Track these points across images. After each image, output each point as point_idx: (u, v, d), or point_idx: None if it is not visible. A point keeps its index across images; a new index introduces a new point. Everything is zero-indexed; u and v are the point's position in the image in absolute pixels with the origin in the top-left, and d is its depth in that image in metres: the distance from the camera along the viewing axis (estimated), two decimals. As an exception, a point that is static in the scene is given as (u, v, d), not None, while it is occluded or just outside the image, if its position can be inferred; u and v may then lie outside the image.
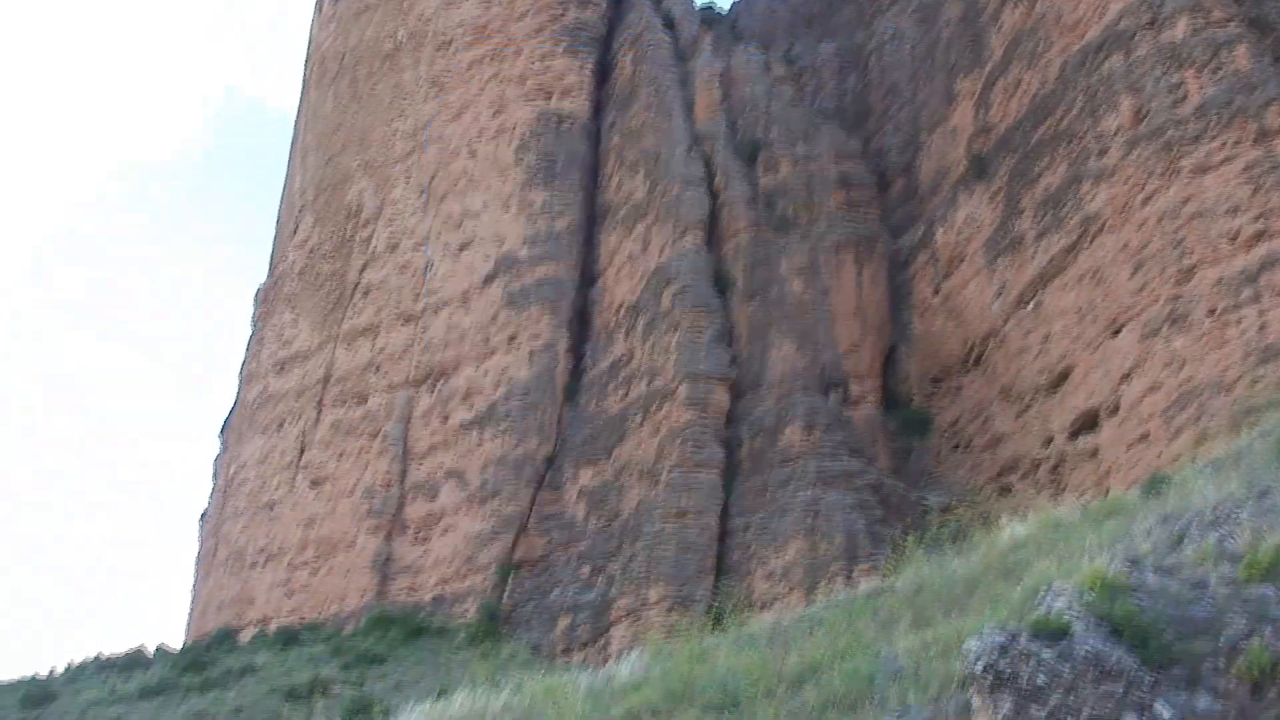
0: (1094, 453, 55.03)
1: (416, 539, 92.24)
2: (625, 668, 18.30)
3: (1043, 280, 60.72)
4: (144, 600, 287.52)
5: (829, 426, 66.02)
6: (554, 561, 78.36)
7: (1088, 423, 55.99)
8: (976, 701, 8.33)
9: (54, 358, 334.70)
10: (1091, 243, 57.10)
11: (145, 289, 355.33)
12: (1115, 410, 53.30)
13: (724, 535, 65.88)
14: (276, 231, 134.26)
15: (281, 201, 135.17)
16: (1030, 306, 61.61)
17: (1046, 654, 8.32)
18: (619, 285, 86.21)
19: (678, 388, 70.37)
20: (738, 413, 70.50)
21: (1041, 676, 8.19)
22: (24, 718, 78.15)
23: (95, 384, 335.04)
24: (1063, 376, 58.40)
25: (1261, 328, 45.50)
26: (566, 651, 67.71)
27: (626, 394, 77.92)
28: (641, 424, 73.81)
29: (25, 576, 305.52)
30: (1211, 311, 47.98)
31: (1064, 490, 51.75)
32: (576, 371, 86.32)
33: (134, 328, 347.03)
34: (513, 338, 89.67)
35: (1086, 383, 56.07)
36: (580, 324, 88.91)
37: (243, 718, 60.38)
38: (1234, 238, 48.24)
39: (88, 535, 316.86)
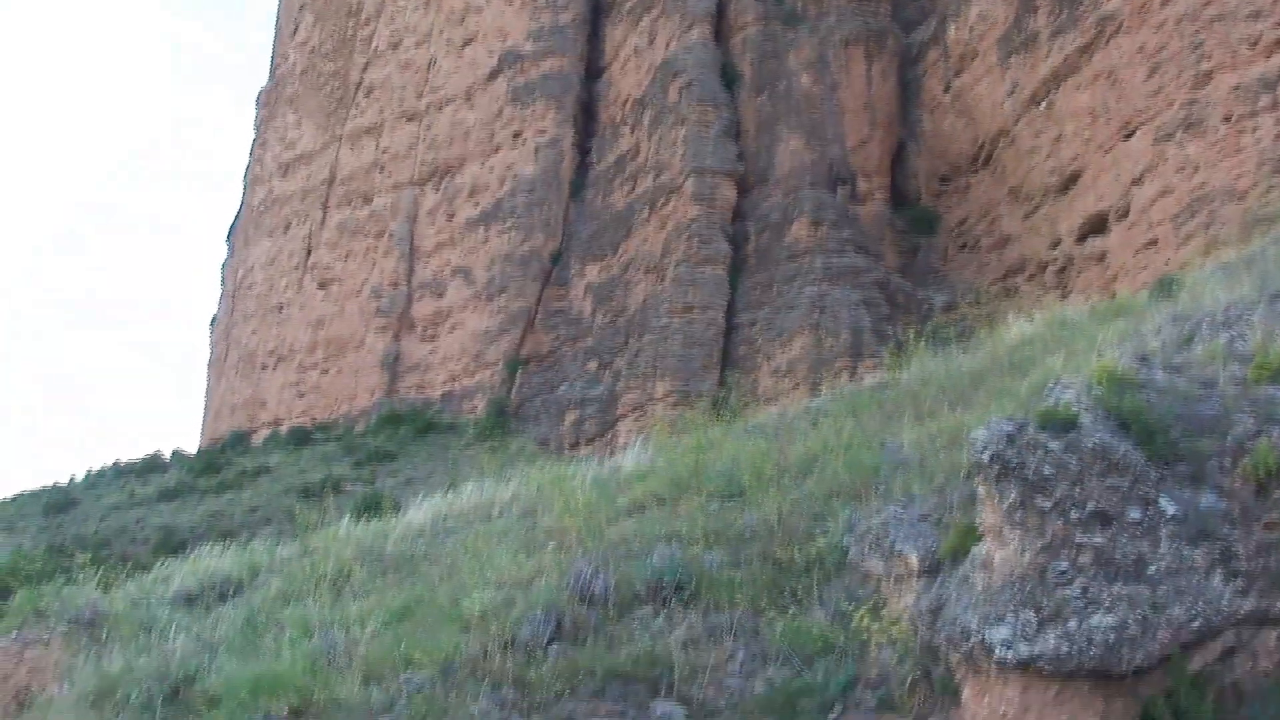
0: (1101, 256, 54.61)
1: (424, 337, 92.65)
2: (631, 459, 18.47)
3: (1056, 80, 59.34)
4: (162, 409, 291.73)
5: (836, 222, 65.58)
6: (561, 357, 78.80)
7: (1096, 226, 55.40)
8: (982, 491, 8.34)
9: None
10: (1107, 43, 55.68)
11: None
12: (1125, 214, 52.65)
13: (730, 330, 66.01)
14: (276, 32, 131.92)
15: (280, 1, 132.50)
16: (1042, 106, 60.42)
17: (1054, 445, 8.30)
18: (625, 79, 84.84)
19: (684, 182, 69.76)
20: (744, 208, 69.97)
21: (1048, 467, 8.17)
22: (47, 523, 79.47)
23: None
24: (1073, 178, 57.57)
25: (1277, 136, 44.66)
26: (574, 445, 68.40)
27: (633, 189, 77.30)
28: (648, 219, 73.40)
29: (43, 393, 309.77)
30: (1227, 118, 46.90)
31: (1070, 293, 51.51)
32: (582, 167, 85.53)
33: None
34: (518, 133, 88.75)
35: (1096, 185, 55.32)
36: (586, 119, 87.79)
37: (258, 516, 61.35)
38: (1254, 43, 46.90)
39: (104, 345, 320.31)
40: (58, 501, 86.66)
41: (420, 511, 19.30)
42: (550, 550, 12.66)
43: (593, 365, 74.33)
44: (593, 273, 78.51)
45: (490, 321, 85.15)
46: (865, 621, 8.46)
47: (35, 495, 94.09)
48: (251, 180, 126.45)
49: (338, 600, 13.45)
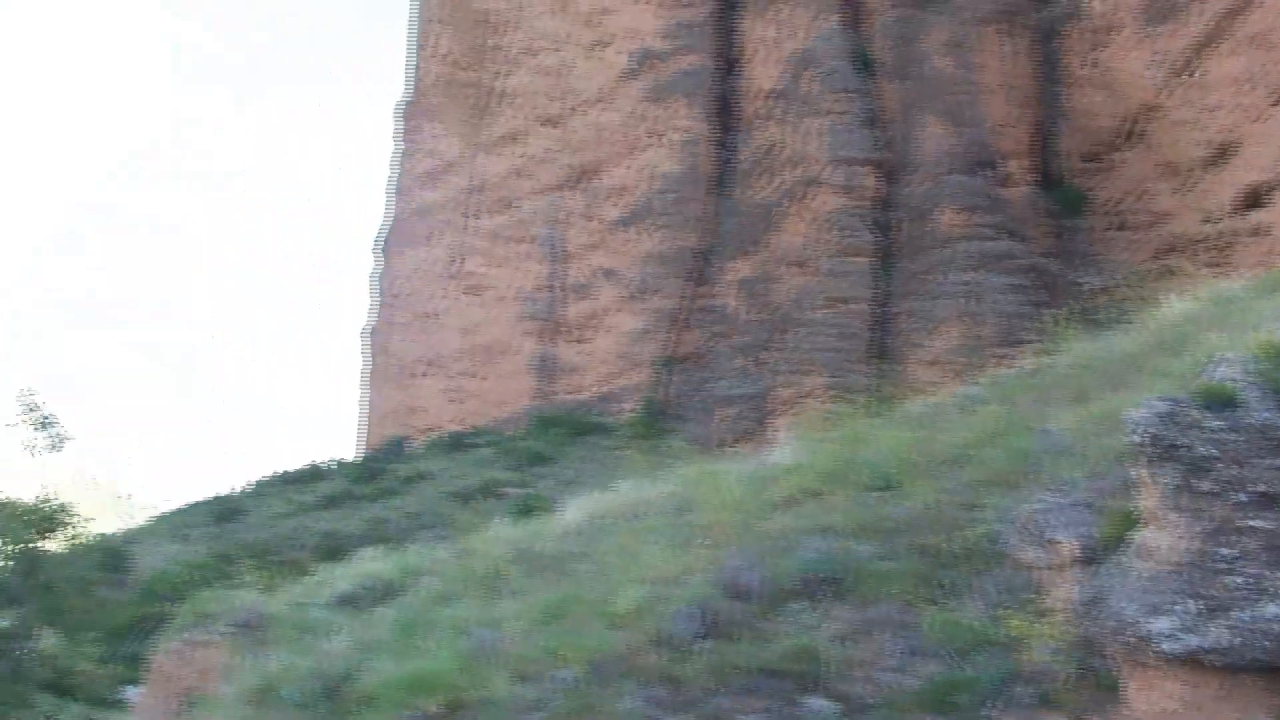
0: (1261, 230, 52.86)
1: (575, 339, 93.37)
2: (781, 453, 18.31)
3: (1203, 47, 57.42)
4: (322, 421, 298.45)
5: (983, 207, 64.51)
6: (712, 354, 78.69)
7: (1253, 198, 53.65)
8: (1139, 475, 8.01)
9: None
10: (1257, 6, 53.91)
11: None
12: (1282, 185, 51.03)
13: (880, 322, 65.33)
14: (411, 47, 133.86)
15: (412, 16, 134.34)
16: (1190, 76, 58.63)
17: (1214, 423, 7.93)
18: (760, 72, 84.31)
19: (826, 173, 69.22)
20: (889, 197, 69.18)
21: (1209, 447, 7.80)
22: (215, 531, 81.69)
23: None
24: (1226, 150, 55.69)
25: None
26: (728, 443, 67.97)
27: (775, 183, 76.84)
28: (792, 212, 72.93)
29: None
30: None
31: (1228, 269, 49.86)
32: (723, 162, 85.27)
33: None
34: (658, 133, 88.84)
35: (1252, 156, 53.51)
36: (724, 114, 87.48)
37: (417, 521, 62.22)
38: None
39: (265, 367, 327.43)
40: (225, 510, 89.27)
41: (573, 511, 19.40)
42: (701, 546, 12.57)
43: (744, 362, 74.10)
44: (740, 269, 78.20)
45: (640, 321, 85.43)
46: (1021, 615, 8.21)
47: (203, 505, 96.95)
48: (398, 192, 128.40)
49: (491, 600, 13.54)
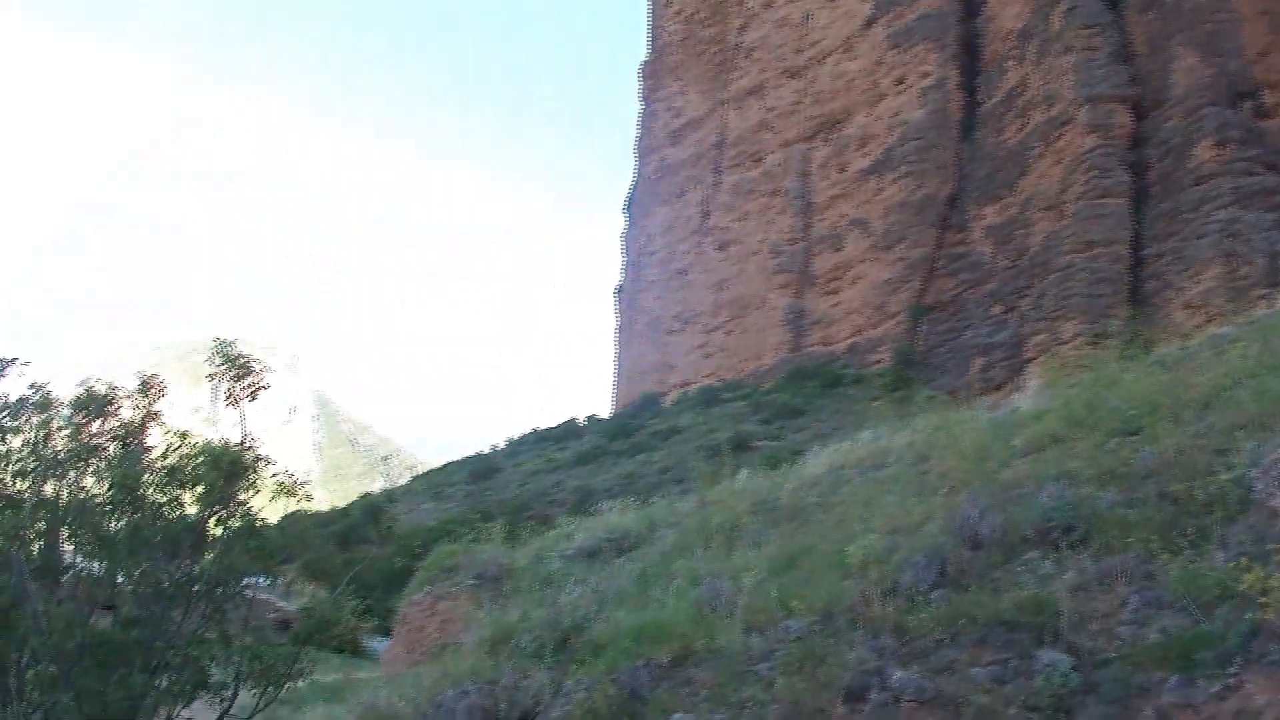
0: None
1: (826, 291, 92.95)
2: (1028, 399, 17.87)
3: None
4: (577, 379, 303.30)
5: (1242, 141, 61.30)
6: (964, 302, 77.28)
7: None
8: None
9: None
10: None
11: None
12: None
13: (1137, 264, 62.98)
14: (650, 6, 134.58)
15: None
16: None
17: None
18: (1004, 11, 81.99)
19: (1077, 113, 66.97)
20: (1143, 133, 66.42)
21: None
22: (472, 489, 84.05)
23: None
24: None
25: None
26: (982, 392, 66.63)
27: (1024, 124, 74.77)
28: (1042, 154, 70.88)
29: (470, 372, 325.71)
30: None
31: None
32: (970, 106, 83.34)
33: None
34: (901, 79, 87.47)
35: None
36: (968, 57, 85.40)
37: (669, 476, 62.82)
38: None
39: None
40: (481, 469, 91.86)
41: (816, 462, 19.28)
42: (940, 495, 12.33)
43: (997, 309, 72.60)
44: (990, 214, 76.47)
45: (890, 271, 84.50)
46: (1267, 566, 7.77)
47: (461, 464, 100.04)
48: (643, 151, 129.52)
49: (729, 551, 13.54)
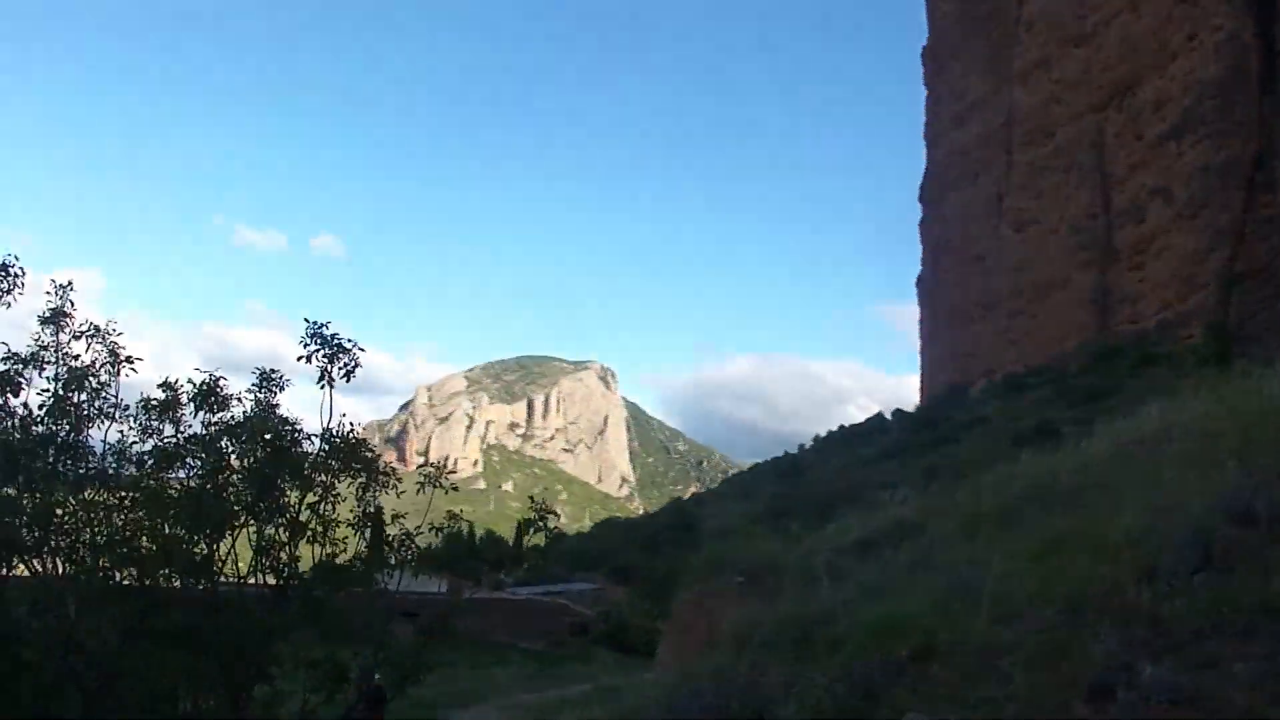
0: None
1: (1130, 265, 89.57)
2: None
3: None
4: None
5: None
6: (1278, 268, 72.83)
7: None
8: None
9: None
10: None
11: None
12: None
13: None
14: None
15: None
16: None
17: None
18: (1300, -48, 77.01)
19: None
20: None
21: None
22: (780, 488, 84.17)
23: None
24: None
25: None
26: (1304, 362, 62.99)
27: (1333, 71, 70.08)
28: (1356, 102, 66.29)
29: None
30: None
31: None
32: (1269, 57, 78.30)
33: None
34: (1192, 34, 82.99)
35: None
36: (1263, 4, 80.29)
37: (974, 468, 61.28)
38: None
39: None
40: (788, 468, 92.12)
41: (1100, 440, 18.26)
42: (1224, 470, 11.27)
43: (1318, 272, 68.26)
44: (1301, 170, 71.89)
45: (1196, 240, 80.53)
46: None
47: (769, 465, 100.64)
48: (931, 138, 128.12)
49: (995, 538, 12.79)
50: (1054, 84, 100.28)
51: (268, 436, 13.17)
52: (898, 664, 9.04)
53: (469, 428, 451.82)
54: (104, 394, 13.69)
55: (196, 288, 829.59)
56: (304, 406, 13.73)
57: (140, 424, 13.55)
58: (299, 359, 13.52)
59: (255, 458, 13.18)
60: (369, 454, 13.88)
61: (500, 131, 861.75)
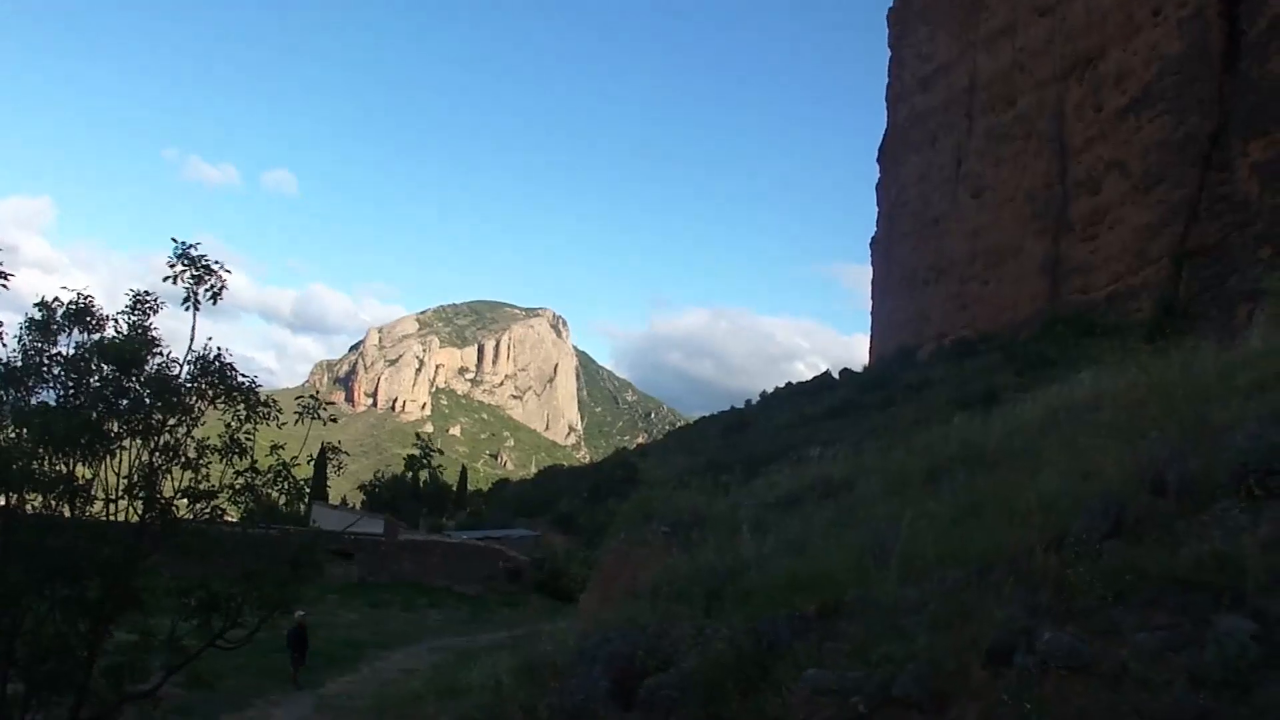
0: None
1: (1083, 237, 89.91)
2: (1257, 338, 16.56)
3: None
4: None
5: None
6: (1230, 246, 73.16)
7: None
8: None
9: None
10: None
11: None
12: None
13: None
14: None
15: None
16: None
17: None
18: (1270, -70, 77.08)
19: (1353, 36, 62.62)
20: None
21: None
22: (724, 442, 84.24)
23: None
24: None
25: None
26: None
27: (1292, 54, 70.22)
28: (1314, 83, 66.56)
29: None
30: None
31: None
32: (1232, 36, 78.48)
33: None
34: (1157, 9, 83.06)
35: None
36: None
37: (919, 427, 61.55)
38: None
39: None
40: (732, 422, 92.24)
41: (1032, 406, 18.34)
42: (1145, 440, 11.21)
43: (1266, 253, 68.50)
44: (1257, 151, 71.99)
45: (1150, 215, 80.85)
46: None
47: (715, 419, 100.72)
48: (892, 99, 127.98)
49: (922, 498, 12.76)
50: (1017, 51, 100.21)
51: (127, 357, 12.91)
52: (804, 619, 8.97)
53: (419, 370, 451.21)
54: None
55: (148, 220, 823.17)
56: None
57: (23, 344, 13.27)
58: (164, 279, 13.27)
59: (110, 374, 12.94)
60: (241, 379, 13.56)
61: (461, 74, 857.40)
